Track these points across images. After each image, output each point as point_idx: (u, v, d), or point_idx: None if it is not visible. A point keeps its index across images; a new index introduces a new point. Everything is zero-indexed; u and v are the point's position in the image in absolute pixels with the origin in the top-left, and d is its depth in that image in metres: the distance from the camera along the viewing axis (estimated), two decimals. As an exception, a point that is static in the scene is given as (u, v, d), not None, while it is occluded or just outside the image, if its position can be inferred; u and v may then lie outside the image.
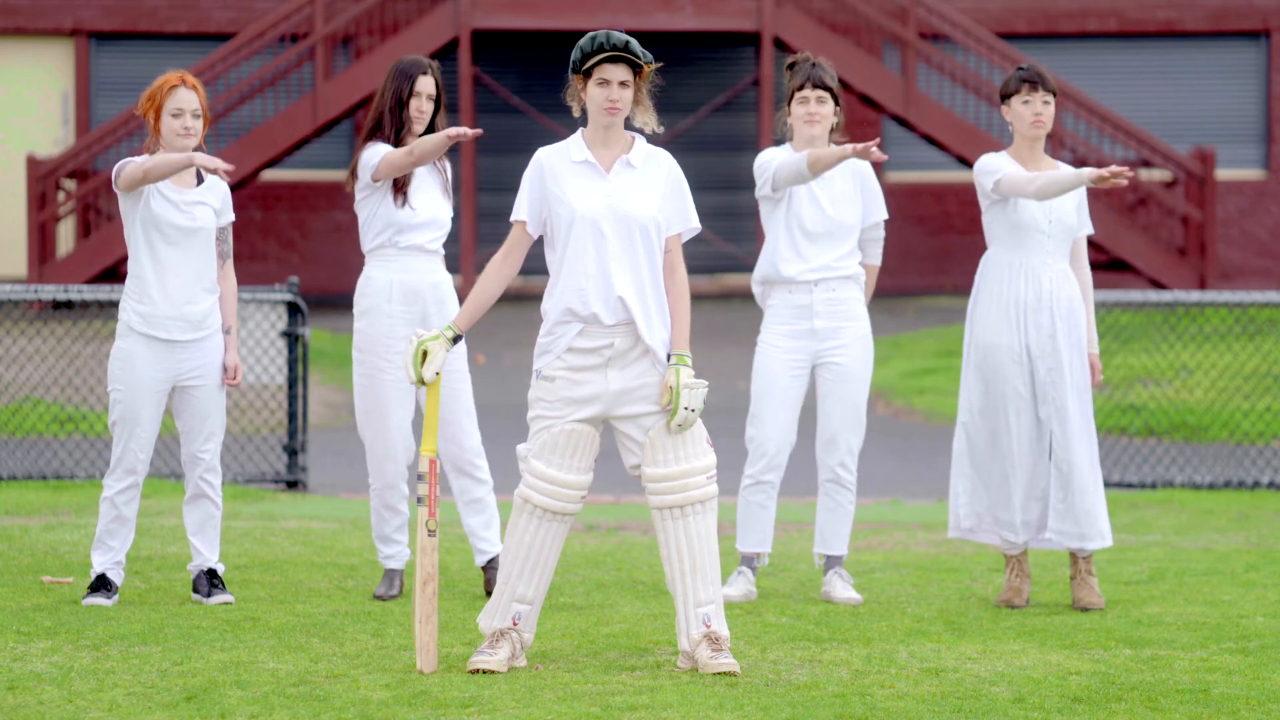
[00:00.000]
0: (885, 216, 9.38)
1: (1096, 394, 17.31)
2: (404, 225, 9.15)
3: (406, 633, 8.09)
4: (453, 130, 8.63)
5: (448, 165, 9.39)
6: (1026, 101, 9.07)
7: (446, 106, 9.36)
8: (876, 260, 9.46)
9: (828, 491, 9.36)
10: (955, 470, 9.22)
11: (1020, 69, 9.15)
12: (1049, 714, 6.69)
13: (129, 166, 8.78)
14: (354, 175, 9.21)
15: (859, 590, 9.35)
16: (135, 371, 8.82)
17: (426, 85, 9.18)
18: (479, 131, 8.62)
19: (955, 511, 9.22)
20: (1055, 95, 9.12)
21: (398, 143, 9.18)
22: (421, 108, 9.16)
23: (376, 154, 9.11)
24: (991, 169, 9.08)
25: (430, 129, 9.24)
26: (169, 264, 8.83)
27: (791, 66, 9.33)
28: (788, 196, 9.24)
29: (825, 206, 9.24)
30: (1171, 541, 11.40)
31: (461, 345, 9.22)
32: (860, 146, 8.88)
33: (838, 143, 9.35)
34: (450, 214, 9.31)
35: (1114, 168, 8.74)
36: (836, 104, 9.25)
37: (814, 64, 9.24)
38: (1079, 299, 9.10)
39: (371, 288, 9.21)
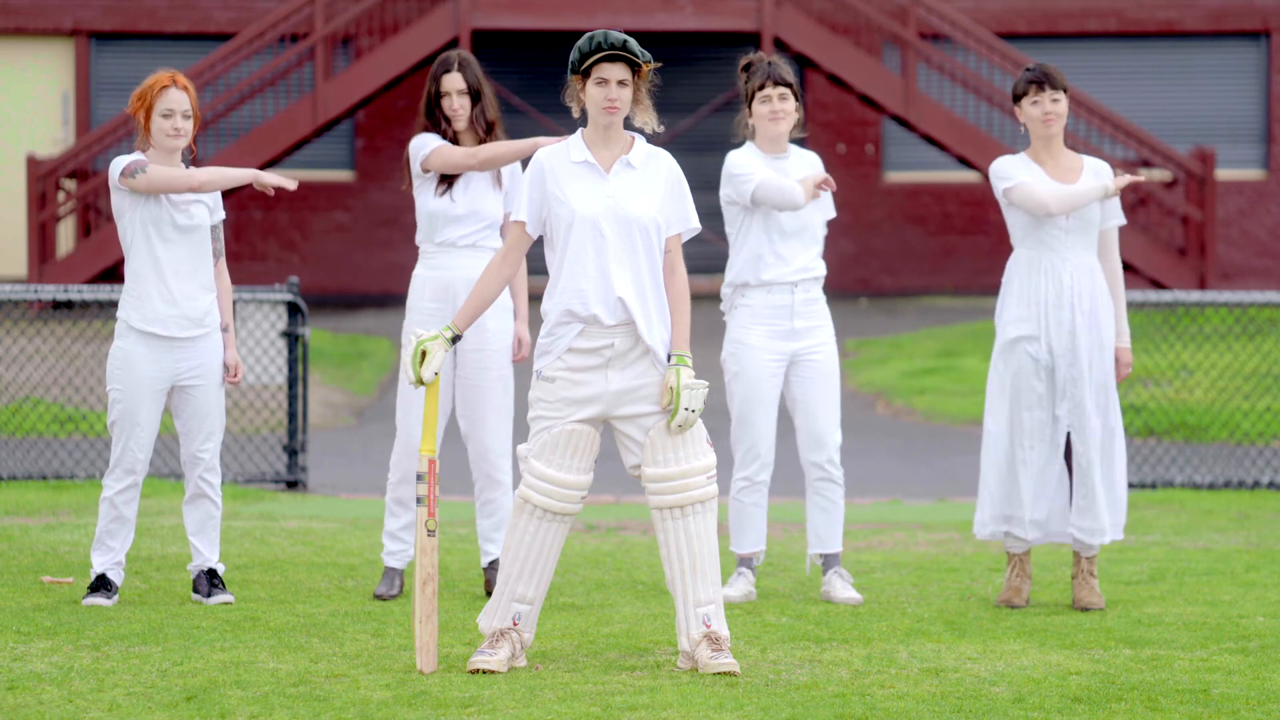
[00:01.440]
0: (833, 215, 9.41)
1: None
2: (439, 216, 9.15)
3: (406, 633, 8.09)
4: (540, 139, 8.62)
5: None
6: (1035, 102, 9.07)
7: (493, 95, 9.32)
8: None
9: (819, 490, 9.35)
10: (981, 473, 9.23)
11: (1028, 70, 9.15)
12: (1049, 714, 6.69)
13: (157, 171, 8.72)
14: (407, 168, 9.26)
15: (859, 590, 9.35)
16: (134, 371, 8.82)
17: (453, 82, 9.18)
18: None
19: (979, 513, 9.22)
20: (1066, 92, 9.10)
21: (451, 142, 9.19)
22: (454, 105, 9.16)
23: (425, 144, 9.15)
24: (1004, 174, 9.09)
25: (481, 122, 9.20)
26: (167, 262, 8.83)
27: (747, 68, 9.33)
28: (754, 203, 9.25)
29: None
30: (1171, 541, 11.40)
31: (500, 341, 9.17)
32: (820, 181, 9.03)
33: (798, 138, 9.42)
34: (500, 208, 9.25)
35: (1126, 177, 8.86)
36: (798, 100, 9.26)
37: (770, 62, 9.25)
38: (1103, 294, 9.07)
39: (412, 286, 9.25)
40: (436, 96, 9.19)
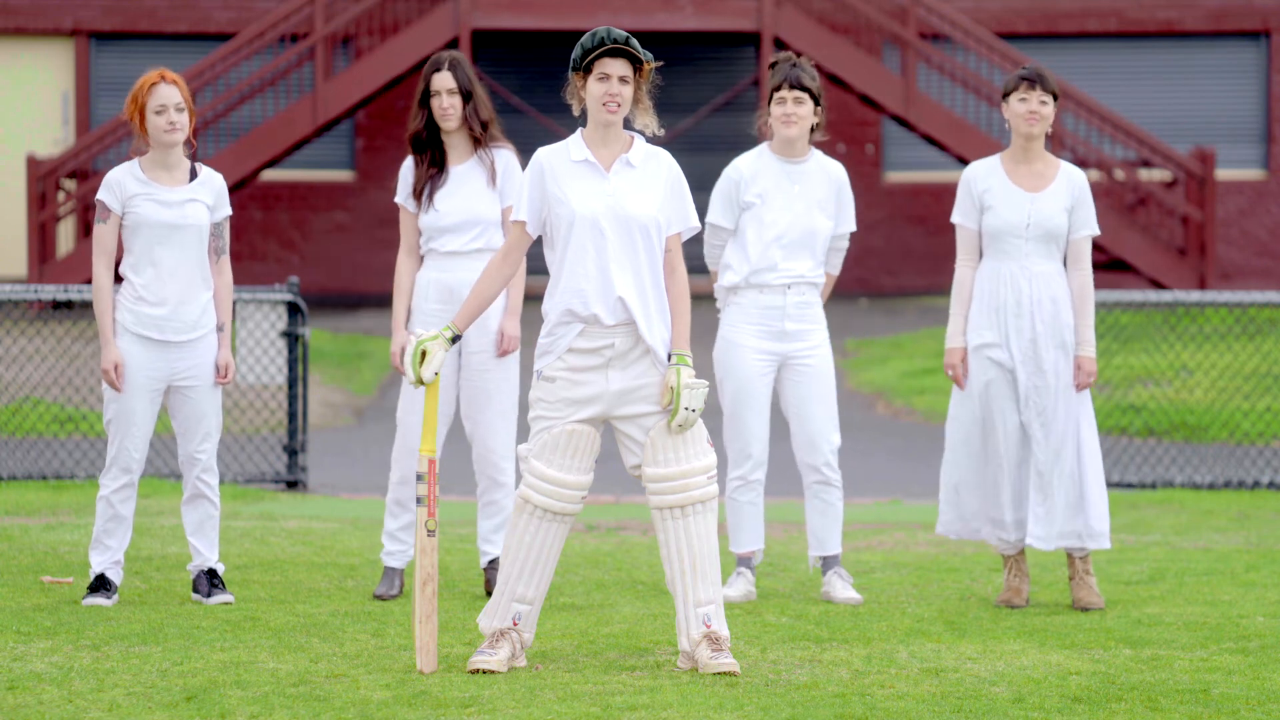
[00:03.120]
0: (853, 229, 9.37)
1: (1096, 394, 17.30)
2: (430, 230, 9.17)
3: (406, 633, 8.09)
4: (399, 339, 9.09)
5: (500, 155, 9.26)
6: (1023, 99, 9.08)
7: (486, 96, 9.32)
8: (836, 270, 9.45)
9: (816, 493, 9.35)
10: (942, 472, 9.24)
11: (1022, 69, 9.17)
12: (1049, 714, 6.69)
13: (97, 285, 8.85)
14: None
15: (859, 590, 9.35)
16: (129, 369, 8.81)
17: (443, 81, 9.17)
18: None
19: (944, 514, 9.24)
20: (1056, 97, 9.09)
21: (433, 143, 9.19)
22: (444, 105, 9.16)
23: (400, 188, 9.29)
24: (959, 198, 9.17)
25: (475, 121, 9.20)
26: (161, 264, 8.81)
27: (773, 66, 9.32)
28: (761, 204, 9.23)
29: (801, 214, 9.22)
30: (1171, 541, 11.40)
31: (507, 350, 9.17)
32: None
33: (817, 143, 9.36)
34: (496, 209, 9.22)
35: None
36: (817, 105, 9.22)
37: (794, 64, 9.22)
38: (1065, 300, 9.08)
39: (418, 288, 9.24)
40: (426, 95, 9.21)
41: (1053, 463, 9.01)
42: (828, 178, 9.25)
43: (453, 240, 9.15)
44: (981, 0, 26.71)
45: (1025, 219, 9.04)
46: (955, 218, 9.20)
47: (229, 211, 9.02)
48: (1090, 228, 9.13)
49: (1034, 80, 9.08)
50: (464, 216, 9.14)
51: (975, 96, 24.94)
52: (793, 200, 9.21)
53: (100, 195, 8.86)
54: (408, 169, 9.30)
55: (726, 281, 9.28)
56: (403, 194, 9.29)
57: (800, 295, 9.25)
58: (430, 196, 9.17)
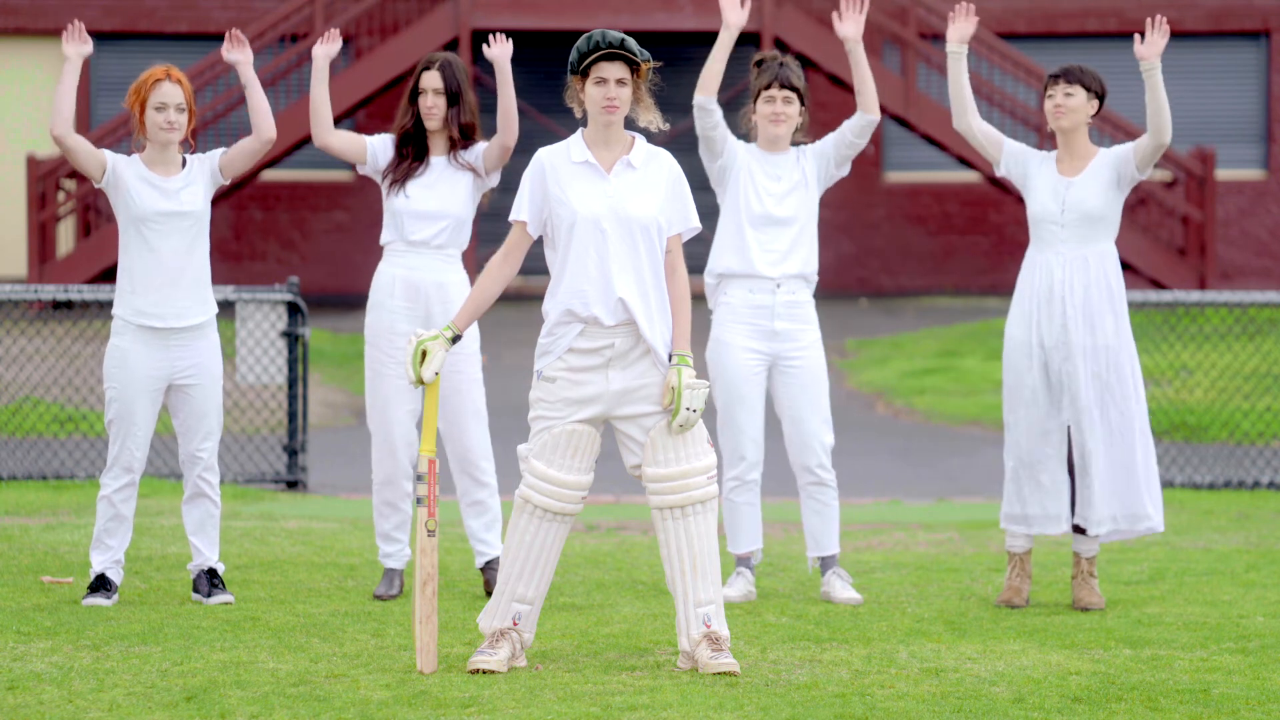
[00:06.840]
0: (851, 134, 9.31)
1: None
2: (399, 213, 9.15)
3: (406, 633, 8.09)
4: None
5: (471, 150, 9.26)
6: (1050, 96, 9.12)
7: (474, 100, 9.32)
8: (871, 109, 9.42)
9: (811, 494, 9.35)
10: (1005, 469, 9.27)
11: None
12: (1049, 714, 6.69)
13: (57, 121, 8.80)
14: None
15: (859, 590, 9.35)
16: (130, 369, 8.81)
17: (430, 80, 9.19)
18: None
19: (1006, 507, 9.24)
20: (1089, 88, 9.08)
21: (418, 137, 9.19)
22: (428, 103, 9.18)
23: (369, 160, 9.28)
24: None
25: (454, 125, 9.21)
26: (159, 252, 8.80)
27: (759, 64, 9.34)
28: (736, 184, 9.21)
29: (784, 195, 9.20)
30: (1171, 541, 11.40)
31: (472, 346, 9.20)
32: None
33: (798, 142, 9.38)
34: (468, 209, 9.20)
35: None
36: (803, 104, 9.25)
37: (781, 63, 9.26)
38: (1099, 285, 9.08)
39: (378, 282, 9.24)
40: (415, 92, 9.24)
41: (1085, 446, 9.00)
42: (802, 161, 9.26)
43: (422, 229, 9.13)
44: (981, 0, 26.72)
45: (1060, 205, 9.07)
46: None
47: (223, 149, 8.99)
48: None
49: (1058, 75, 9.11)
50: (437, 206, 9.14)
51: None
52: (777, 187, 9.22)
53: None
54: (383, 147, 9.27)
55: (721, 268, 9.23)
56: (369, 167, 9.31)
57: (790, 294, 9.23)
58: (403, 184, 9.17)
